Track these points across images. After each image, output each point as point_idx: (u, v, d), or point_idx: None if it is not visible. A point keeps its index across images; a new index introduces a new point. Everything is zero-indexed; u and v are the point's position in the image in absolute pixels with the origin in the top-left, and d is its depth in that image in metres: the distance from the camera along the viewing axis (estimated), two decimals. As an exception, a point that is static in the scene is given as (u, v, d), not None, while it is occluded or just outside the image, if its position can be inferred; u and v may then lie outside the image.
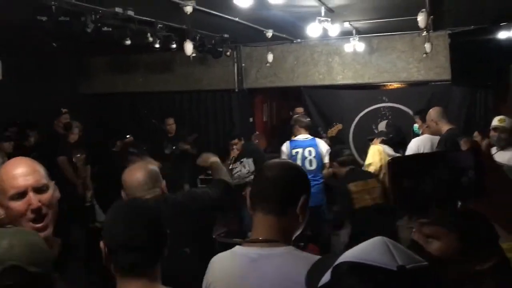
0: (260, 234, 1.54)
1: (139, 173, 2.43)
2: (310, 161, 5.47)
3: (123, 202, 1.77)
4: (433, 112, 4.99)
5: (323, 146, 5.61)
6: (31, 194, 1.59)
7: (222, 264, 1.62)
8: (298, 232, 1.60)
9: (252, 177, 5.86)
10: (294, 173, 1.62)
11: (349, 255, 0.86)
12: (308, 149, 5.53)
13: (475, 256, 1.12)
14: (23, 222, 1.58)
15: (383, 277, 0.80)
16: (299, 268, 1.22)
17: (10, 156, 5.24)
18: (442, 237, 1.17)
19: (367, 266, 0.82)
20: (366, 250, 0.85)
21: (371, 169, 5.11)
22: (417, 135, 5.63)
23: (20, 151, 5.77)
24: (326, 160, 5.39)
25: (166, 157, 6.94)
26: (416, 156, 0.83)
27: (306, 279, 1.05)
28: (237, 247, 1.60)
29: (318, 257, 1.33)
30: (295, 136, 5.66)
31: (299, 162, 5.35)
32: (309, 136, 5.64)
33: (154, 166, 2.56)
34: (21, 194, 1.59)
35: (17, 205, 1.59)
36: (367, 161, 5.33)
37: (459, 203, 0.82)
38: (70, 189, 5.97)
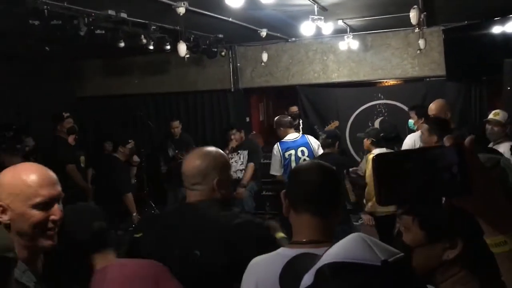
0: (306, 235, 1.57)
1: (193, 162, 2.01)
2: (305, 161, 5.43)
3: (71, 208, 1.85)
4: (444, 103, 4.90)
5: (314, 142, 5.48)
6: (56, 205, 1.53)
7: (269, 265, 1.56)
8: None
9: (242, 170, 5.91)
10: (333, 175, 1.68)
11: (330, 255, 0.86)
12: (300, 149, 5.38)
13: (440, 244, 1.13)
14: (35, 231, 1.50)
15: (369, 273, 0.80)
16: None
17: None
18: (411, 226, 1.19)
19: (352, 264, 0.82)
20: (347, 248, 0.85)
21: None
22: (413, 130, 5.63)
23: (14, 157, 5.70)
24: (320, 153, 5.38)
25: (168, 160, 6.96)
26: (400, 153, 0.83)
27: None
28: (281, 249, 1.59)
29: None
30: (284, 137, 5.47)
31: (293, 164, 5.29)
32: (297, 135, 5.50)
33: (218, 152, 2.08)
34: (47, 204, 1.51)
35: (39, 214, 1.49)
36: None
37: (443, 200, 0.82)
38: (81, 195, 5.96)
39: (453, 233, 1.11)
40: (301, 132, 5.79)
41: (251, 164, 5.91)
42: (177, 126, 7.06)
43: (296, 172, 1.77)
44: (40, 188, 1.50)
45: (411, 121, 5.77)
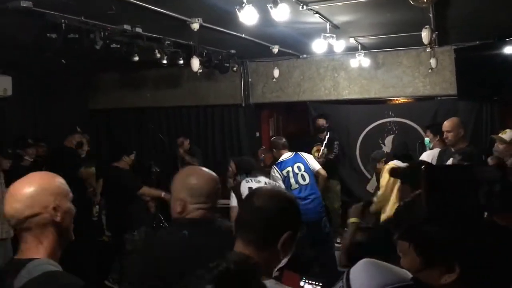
0: None
1: (206, 181, 2.04)
2: (303, 176, 5.45)
3: None
4: (458, 121, 4.84)
5: (308, 156, 5.65)
6: None
7: None
8: (278, 266, 1.53)
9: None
10: (282, 205, 1.51)
11: (366, 285, 0.85)
12: (296, 164, 5.49)
13: (437, 268, 1.14)
14: (71, 224, 1.67)
15: None
16: None
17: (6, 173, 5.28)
18: (407, 251, 1.19)
19: None
20: (375, 274, 0.85)
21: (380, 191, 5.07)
22: (429, 148, 5.69)
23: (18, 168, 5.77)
24: (317, 166, 5.56)
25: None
26: (448, 168, 0.85)
27: None
28: None
29: None
30: (278, 159, 5.58)
31: (292, 181, 5.39)
32: (291, 153, 5.58)
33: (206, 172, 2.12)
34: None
35: (73, 206, 1.68)
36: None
37: (485, 215, 0.83)
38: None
39: (449, 257, 1.11)
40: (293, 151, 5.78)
41: None
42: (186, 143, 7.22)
43: (249, 195, 1.61)
44: (67, 185, 1.68)
45: (427, 139, 5.83)
